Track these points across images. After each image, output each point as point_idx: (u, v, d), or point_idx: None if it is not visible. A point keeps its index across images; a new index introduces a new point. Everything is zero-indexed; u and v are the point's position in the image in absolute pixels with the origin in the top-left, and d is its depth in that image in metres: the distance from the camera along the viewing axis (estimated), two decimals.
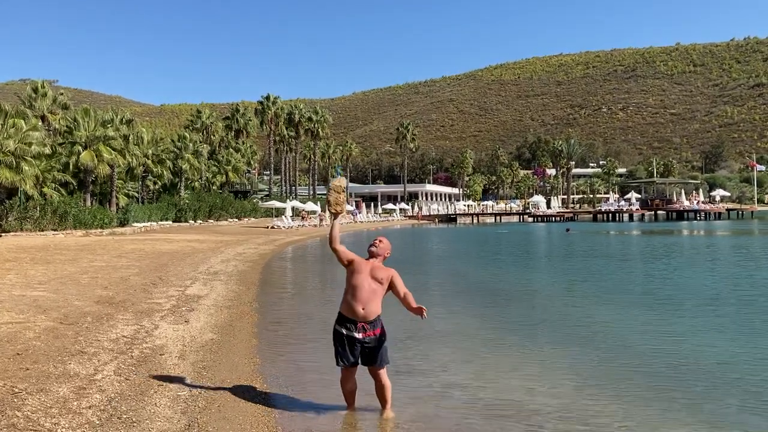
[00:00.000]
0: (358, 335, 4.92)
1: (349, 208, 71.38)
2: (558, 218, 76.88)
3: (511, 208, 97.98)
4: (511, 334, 8.88)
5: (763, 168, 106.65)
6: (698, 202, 74.02)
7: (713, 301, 11.60)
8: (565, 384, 6.18)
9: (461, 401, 5.63)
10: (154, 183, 51.38)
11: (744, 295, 12.48)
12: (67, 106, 42.70)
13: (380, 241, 5.12)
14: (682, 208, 72.44)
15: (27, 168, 29.60)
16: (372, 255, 5.07)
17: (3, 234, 26.01)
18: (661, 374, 6.60)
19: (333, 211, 5.21)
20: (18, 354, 6.22)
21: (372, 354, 4.97)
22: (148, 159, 47.09)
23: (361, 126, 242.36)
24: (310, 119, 79.43)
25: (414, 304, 4.92)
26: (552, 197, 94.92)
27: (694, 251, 25.81)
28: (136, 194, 47.87)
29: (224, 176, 64.91)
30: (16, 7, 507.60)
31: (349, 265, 5.02)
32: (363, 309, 4.87)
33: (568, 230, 45.60)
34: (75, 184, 37.18)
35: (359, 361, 5.03)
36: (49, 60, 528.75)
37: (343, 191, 5.32)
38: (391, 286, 4.99)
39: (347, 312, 4.94)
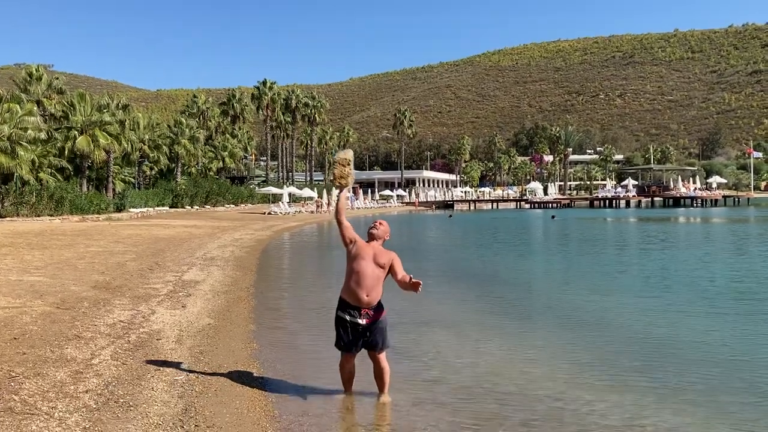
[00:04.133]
0: (362, 321, 4.88)
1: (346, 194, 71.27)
2: (555, 205, 76.91)
3: (508, 194, 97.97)
4: (508, 319, 8.91)
5: (759, 155, 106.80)
6: (695, 189, 74.15)
7: (710, 288, 11.64)
8: (562, 369, 6.20)
9: (458, 386, 5.64)
10: (151, 168, 51.25)
11: (741, 284, 12.53)
12: (62, 90, 42.47)
13: (380, 223, 5.06)
14: (678, 195, 72.58)
15: (23, 153, 29.50)
16: (372, 237, 5.02)
17: None
18: (658, 360, 6.62)
19: (338, 184, 5.13)
20: (15, 338, 6.22)
21: (373, 338, 4.95)
22: (144, 144, 47.00)
23: (358, 112, 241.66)
24: (306, 105, 79.16)
25: (407, 280, 4.79)
26: (549, 184, 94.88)
27: (689, 238, 25.88)
28: (132, 180, 47.73)
29: (221, 162, 64.75)
30: None
31: (351, 245, 4.95)
32: (368, 296, 4.82)
33: (553, 217, 45.78)
34: (71, 169, 37.07)
35: (360, 347, 5.01)
36: (45, 44, 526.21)
37: (349, 164, 5.12)
38: (390, 270, 4.93)
39: (350, 298, 4.88)
